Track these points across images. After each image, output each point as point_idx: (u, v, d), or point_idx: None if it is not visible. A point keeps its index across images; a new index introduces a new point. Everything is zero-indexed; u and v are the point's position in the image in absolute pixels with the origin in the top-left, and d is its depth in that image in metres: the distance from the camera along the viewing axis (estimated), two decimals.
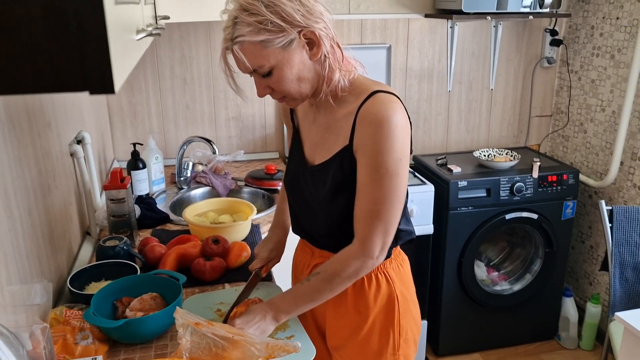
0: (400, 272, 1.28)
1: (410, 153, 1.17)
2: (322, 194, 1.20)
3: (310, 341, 1.20)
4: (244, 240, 1.71)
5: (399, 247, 1.30)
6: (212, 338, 1.02)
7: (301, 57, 1.07)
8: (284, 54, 1.05)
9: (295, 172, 1.29)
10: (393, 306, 1.26)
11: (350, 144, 1.13)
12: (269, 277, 1.49)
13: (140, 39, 0.65)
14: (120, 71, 0.51)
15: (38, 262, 1.22)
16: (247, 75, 1.11)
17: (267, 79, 1.09)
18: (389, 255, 1.24)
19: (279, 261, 1.45)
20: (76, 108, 1.74)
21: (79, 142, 1.70)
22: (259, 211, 1.97)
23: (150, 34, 0.76)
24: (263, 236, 1.81)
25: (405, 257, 1.33)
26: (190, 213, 1.75)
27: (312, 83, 1.12)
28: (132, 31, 0.59)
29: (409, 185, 2.38)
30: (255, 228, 1.81)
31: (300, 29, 1.04)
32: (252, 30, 1.01)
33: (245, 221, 1.70)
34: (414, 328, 1.31)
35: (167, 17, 1.41)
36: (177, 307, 1.08)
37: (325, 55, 1.08)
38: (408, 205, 2.36)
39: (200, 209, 1.82)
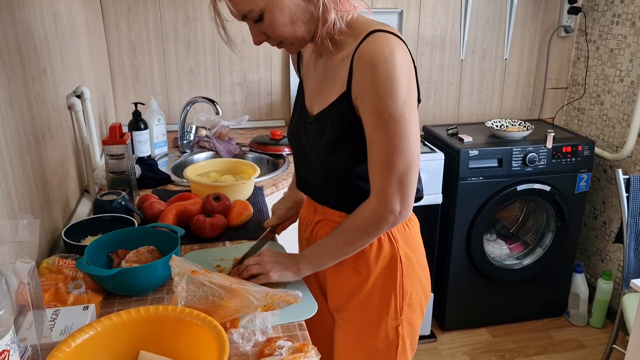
0: (406, 232, 1.20)
1: (418, 101, 1.09)
2: (320, 146, 1.13)
3: (312, 297, 1.15)
4: (247, 199, 1.65)
5: None
6: (209, 286, 0.97)
7: None
8: None
9: (297, 124, 1.22)
10: (395, 268, 1.18)
11: (349, 90, 1.04)
12: (272, 237, 1.43)
13: None
14: None
15: (30, 209, 1.17)
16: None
17: (259, 24, 1.03)
18: (411, 209, 1.14)
19: (295, 221, 1.40)
20: (75, 61, 1.68)
21: (78, 96, 1.64)
22: (263, 175, 1.91)
23: None
24: (266, 199, 1.76)
25: (414, 218, 1.25)
26: (192, 172, 1.70)
27: (308, 25, 1.05)
28: None
29: None
30: (258, 190, 1.76)
31: None
32: None
33: (247, 180, 1.65)
34: (420, 293, 1.23)
35: None
36: (173, 255, 1.03)
37: None
38: (420, 174, 2.30)
39: (202, 169, 1.77)
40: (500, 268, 2.58)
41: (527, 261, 2.62)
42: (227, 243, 1.41)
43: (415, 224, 1.25)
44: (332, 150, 1.10)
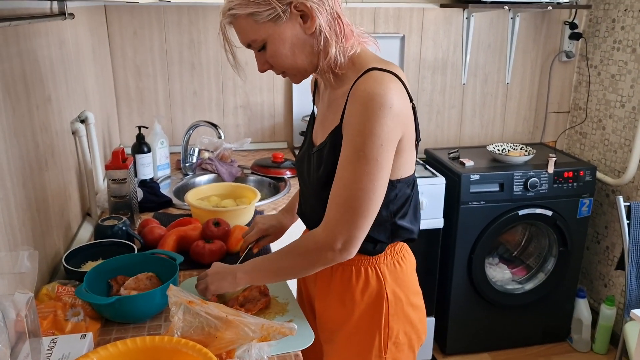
0: (396, 270, 1.17)
1: (417, 140, 1.10)
2: (316, 178, 1.13)
3: (310, 327, 1.15)
4: (247, 225, 1.66)
5: (400, 243, 1.20)
6: (205, 317, 0.98)
7: (294, 31, 1.02)
8: (275, 27, 1.01)
9: (303, 153, 1.24)
10: (381, 305, 1.16)
11: (340, 123, 1.05)
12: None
13: None
14: None
15: (31, 235, 1.18)
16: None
17: (263, 53, 1.06)
18: (381, 251, 1.15)
19: (273, 241, 1.41)
20: (80, 86, 1.71)
21: (82, 121, 1.66)
22: (264, 199, 1.92)
23: None
24: None
25: (408, 256, 1.23)
26: (193, 197, 1.71)
27: (310, 58, 1.06)
28: None
29: (419, 177, 2.34)
30: (258, 214, 1.77)
31: (290, 2, 0.99)
32: (241, 3, 1.00)
33: (248, 205, 1.66)
34: (410, 332, 1.21)
35: None
36: (171, 285, 1.04)
37: (319, 29, 1.02)
38: (420, 199, 2.30)
39: (203, 193, 1.78)
40: (502, 292, 2.56)
41: (529, 286, 2.61)
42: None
43: (409, 262, 1.22)
44: (326, 184, 1.09)
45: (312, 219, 1.21)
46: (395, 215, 1.13)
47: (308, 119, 1.31)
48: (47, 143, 1.33)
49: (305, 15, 1.01)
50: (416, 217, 1.19)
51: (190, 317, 0.99)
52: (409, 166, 1.11)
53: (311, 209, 1.21)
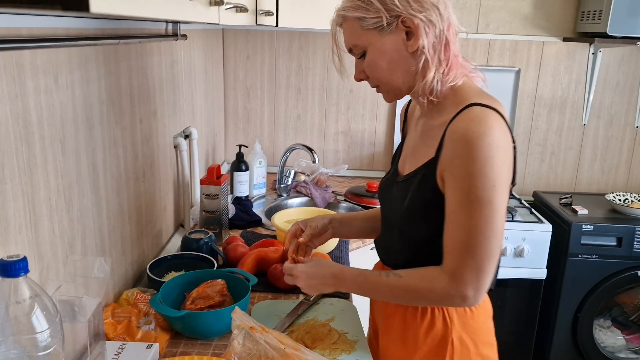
0: (466, 315, 1.09)
1: (513, 183, 1.02)
2: (400, 209, 1.08)
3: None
4: (329, 253, 1.63)
5: None
6: (264, 346, 0.95)
7: (397, 45, 1.00)
8: (378, 37, 1.00)
9: (387, 181, 1.19)
10: (445, 350, 1.08)
11: (436, 159, 1.00)
12: (347, 295, 1.39)
13: None
14: None
15: (120, 242, 1.25)
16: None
17: (361, 61, 1.05)
18: (482, 296, 1.03)
19: (315, 246, 1.28)
20: (187, 104, 1.81)
21: (186, 136, 1.75)
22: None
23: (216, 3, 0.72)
24: (350, 253, 1.73)
25: (483, 303, 1.13)
26: (279, 218, 1.72)
27: (405, 77, 1.03)
28: None
29: (523, 222, 2.15)
30: (343, 243, 1.73)
31: (398, 15, 0.97)
32: (352, 6, 1.00)
33: None
34: None
35: (270, 13, 1.40)
36: (236, 307, 1.03)
37: (421, 50, 0.98)
38: (522, 245, 2.11)
39: (291, 216, 1.78)
40: None
41: None
42: (300, 296, 1.39)
43: (482, 309, 1.12)
44: (410, 217, 1.06)
45: (386, 251, 1.19)
46: None
47: None
48: (147, 155, 1.41)
49: (411, 32, 0.99)
50: (497, 265, 1.09)
51: (249, 344, 0.97)
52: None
53: (388, 240, 1.17)
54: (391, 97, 1.09)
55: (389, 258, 1.18)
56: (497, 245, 0.97)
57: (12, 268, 0.64)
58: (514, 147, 0.98)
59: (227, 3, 0.89)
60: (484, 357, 1.11)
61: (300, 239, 1.23)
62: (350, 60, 1.08)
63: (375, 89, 1.10)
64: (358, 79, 1.09)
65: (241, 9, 0.96)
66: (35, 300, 0.67)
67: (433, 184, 1.01)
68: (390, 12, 0.97)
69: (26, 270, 0.66)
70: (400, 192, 1.10)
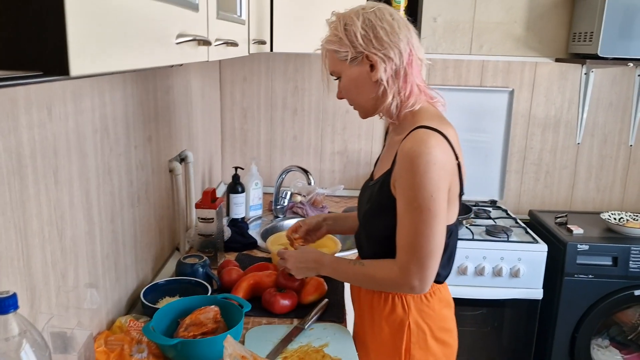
0: (422, 303, 1.27)
1: (461, 194, 1.22)
2: (363, 211, 1.30)
3: None
4: (323, 276, 1.63)
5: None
6: None
7: (362, 75, 1.20)
8: (349, 67, 1.20)
9: (365, 184, 1.39)
10: (402, 332, 1.26)
11: (391, 169, 1.19)
12: (340, 319, 1.39)
13: (180, 42, 0.63)
14: (93, 52, 0.45)
15: (114, 268, 1.25)
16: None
17: (338, 83, 1.27)
18: (428, 286, 1.23)
19: (313, 241, 1.57)
20: (183, 128, 1.83)
21: (182, 160, 1.77)
22: (346, 249, 1.89)
23: (203, 43, 0.73)
24: None
25: (438, 293, 1.29)
26: (274, 242, 1.72)
27: (370, 101, 1.23)
28: (138, 23, 0.54)
29: (518, 242, 2.16)
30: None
31: (362, 52, 1.17)
32: (330, 40, 1.21)
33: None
34: None
35: (263, 42, 1.42)
36: (228, 336, 1.03)
37: (380, 81, 1.18)
38: (517, 265, 2.12)
39: (285, 239, 1.78)
40: None
41: None
42: (295, 321, 1.39)
43: (437, 298, 1.28)
44: (371, 216, 1.27)
45: (359, 244, 1.40)
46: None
47: None
48: (141, 180, 1.42)
49: (373, 66, 1.18)
50: (449, 263, 1.29)
51: None
52: (450, 217, 1.21)
53: (358, 236, 1.39)
54: (362, 114, 1.30)
55: (361, 251, 1.39)
56: (437, 244, 1.15)
57: (1, 305, 0.64)
58: (458, 164, 1.17)
59: (218, 40, 0.91)
60: (439, 341, 1.28)
61: (296, 235, 1.53)
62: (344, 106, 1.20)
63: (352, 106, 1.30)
64: (338, 97, 1.29)
65: (231, 44, 0.98)
66: (24, 337, 0.67)
67: (388, 191, 1.20)
68: (356, 48, 1.17)
69: (15, 307, 0.66)
70: (367, 195, 1.31)
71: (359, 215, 1.35)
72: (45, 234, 0.93)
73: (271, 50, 1.69)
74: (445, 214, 1.15)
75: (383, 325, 1.29)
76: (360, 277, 1.28)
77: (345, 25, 1.18)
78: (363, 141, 2.59)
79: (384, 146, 1.40)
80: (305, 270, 1.36)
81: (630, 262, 2.12)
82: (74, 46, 0.42)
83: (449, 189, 1.15)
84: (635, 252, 2.12)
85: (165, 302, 1.36)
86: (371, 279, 1.25)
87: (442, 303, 1.30)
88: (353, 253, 1.88)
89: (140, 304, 1.35)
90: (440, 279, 1.28)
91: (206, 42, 0.74)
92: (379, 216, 1.24)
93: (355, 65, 1.19)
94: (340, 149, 2.60)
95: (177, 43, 0.63)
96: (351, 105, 1.30)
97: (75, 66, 0.42)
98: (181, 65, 1.59)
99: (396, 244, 1.19)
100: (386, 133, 1.45)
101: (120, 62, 0.51)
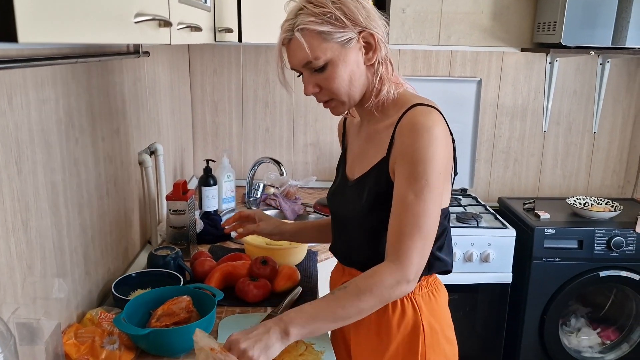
0: (431, 302, 1.17)
1: (454, 174, 1.13)
2: (358, 208, 1.15)
3: None
4: (298, 265, 1.64)
5: (434, 275, 1.20)
6: None
7: (357, 59, 1.06)
8: (342, 50, 1.04)
9: (337, 188, 1.27)
10: (417, 336, 1.15)
11: (388, 156, 1.08)
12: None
13: (139, 22, 0.63)
14: (44, 18, 0.45)
15: (83, 261, 1.24)
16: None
17: (318, 74, 1.07)
18: (417, 281, 1.10)
19: (258, 233, 1.44)
20: (152, 120, 1.81)
21: (152, 152, 1.75)
22: None
23: (162, 24, 0.73)
24: (319, 264, 1.74)
25: (441, 288, 1.22)
26: None
27: (361, 89, 1.10)
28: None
29: (488, 227, 2.20)
30: (311, 254, 1.74)
31: (360, 30, 1.04)
32: (316, 21, 1.01)
33: (300, 245, 1.64)
34: None
35: (230, 30, 1.42)
36: (197, 329, 1.03)
37: (379, 62, 1.07)
38: (487, 250, 2.17)
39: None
40: None
41: (610, 357, 2.34)
42: (269, 309, 1.39)
43: (442, 294, 1.22)
44: (370, 210, 1.12)
45: (348, 249, 1.24)
46: (434, 246, 1.10)
47: None
48: (110, 173, 1.40)
49: (369, 46, 1.06)
50: (450, 250, 1.20)
51: None
52: (446, 198, 1.12)
53: (348, 237, 1.22)
54: (342, 109, 1.13)
55: (351, 259, 1.23)
56: (435, 228, 1.04)
57: None
58: (453, 140, 1.09)
59: (180, 23, 0.90)
60: (448, 340, 1.19)
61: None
62: (291, 75, 1.12)
63: (322, 104, 1.13)
64: (311, 92, 1.10)
65: (195, 28, 0.97)
66: None
67: (387, 177, 1.09)
68: (355, 27, 1.03)
69: None
70: (354, 193, 1.17)
71: (342, 218, 1.22)
72: (9, 225, 0.91)
73: (239, 40, 1.68)
74: (447, 196, 1.10)
75: (394, 333, 1.15)
76: (348, 301, 1.00)
77: (333, 2, 1.01)
78: (335, 133, 2.60)
79: (345, 147, 1.28)
80: (262, 339, 0.97)
81: (595, 245, 2.19)
82: (22, 13, 0.41)
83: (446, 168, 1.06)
84: (599, 234, 2.18)
85: (137, 295, 1.35)
86: (361, 294, 1.00)
87: (445, 298, 1.22)
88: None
89: (111, 297, 1.34)
90: (448, 268, 1.17)
91: (167, 23, 0.73)
92: (379, 207, 1.09)
93: (351, 48, 1.04)
94: (312, 141, 2.61)
95: (136, 22, 0.62)
96: (328, 100, 1.11)
97: (24, 33, 0.41)
98: (148, 55, 1.57)
99: (388, 237, 1.04)
100: (343, 132, 1.32)
101: (73, 34, 0.50)
